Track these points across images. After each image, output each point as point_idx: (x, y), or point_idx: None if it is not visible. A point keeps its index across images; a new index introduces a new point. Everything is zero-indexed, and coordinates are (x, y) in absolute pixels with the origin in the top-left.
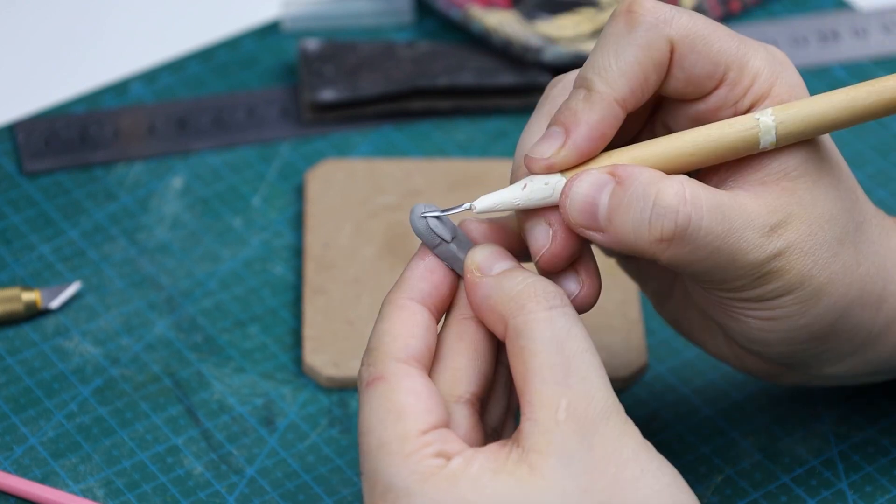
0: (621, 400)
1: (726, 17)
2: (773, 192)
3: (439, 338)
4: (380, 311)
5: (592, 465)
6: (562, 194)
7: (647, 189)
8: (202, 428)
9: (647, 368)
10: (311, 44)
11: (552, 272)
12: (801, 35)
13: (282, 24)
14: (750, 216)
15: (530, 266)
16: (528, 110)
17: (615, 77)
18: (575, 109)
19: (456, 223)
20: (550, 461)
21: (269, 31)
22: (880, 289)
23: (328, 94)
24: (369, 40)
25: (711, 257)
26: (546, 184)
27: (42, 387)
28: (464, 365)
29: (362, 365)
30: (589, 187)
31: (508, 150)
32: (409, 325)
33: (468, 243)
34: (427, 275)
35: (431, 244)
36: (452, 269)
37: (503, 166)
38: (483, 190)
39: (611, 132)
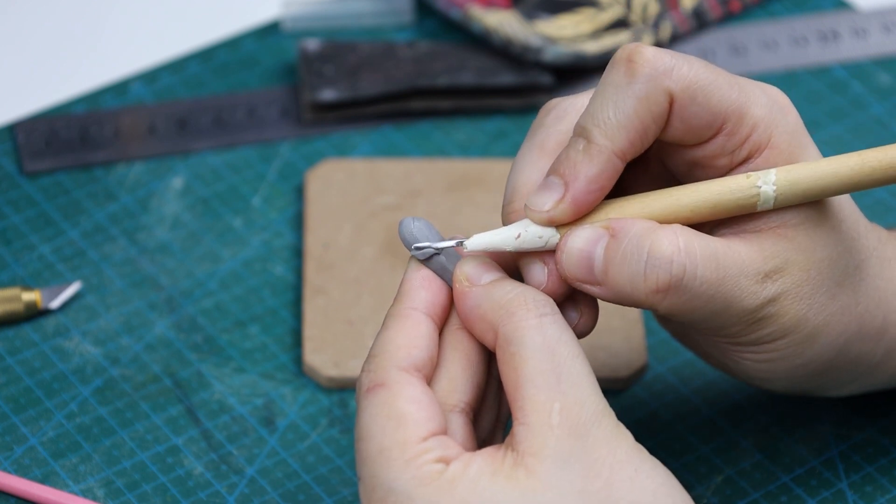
0: (621, 400)
1: (726, 17)
2: (769, 238)
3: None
4: (383, 323)
5: (587, 467)
6: (557, 249)
7: (641, 241)
8: (202, 428)
9: (647, 368)
10: (312, 44)
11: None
12: (801, 35)
13: (282, 24)
14: (744, 263)
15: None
16: (528, 110)
17: (614, 130)
18: (574, 161)
19: (445, 234)
20: (546, 463)
21: (270, 31)
22: (880, 321)
23: (328, 94)
24: (369, 40)
25: (707, 305)
26: (540, 237)
27: (42, 387)
28: (459, 374)
29: (362, 372)
30: (584, 242)
31: (508, 150)
32: (412, 335)
33: (456, 255)
34: (425, 284)
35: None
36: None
37: (503, 166)
38: (483, 190)
39: (609, 185)
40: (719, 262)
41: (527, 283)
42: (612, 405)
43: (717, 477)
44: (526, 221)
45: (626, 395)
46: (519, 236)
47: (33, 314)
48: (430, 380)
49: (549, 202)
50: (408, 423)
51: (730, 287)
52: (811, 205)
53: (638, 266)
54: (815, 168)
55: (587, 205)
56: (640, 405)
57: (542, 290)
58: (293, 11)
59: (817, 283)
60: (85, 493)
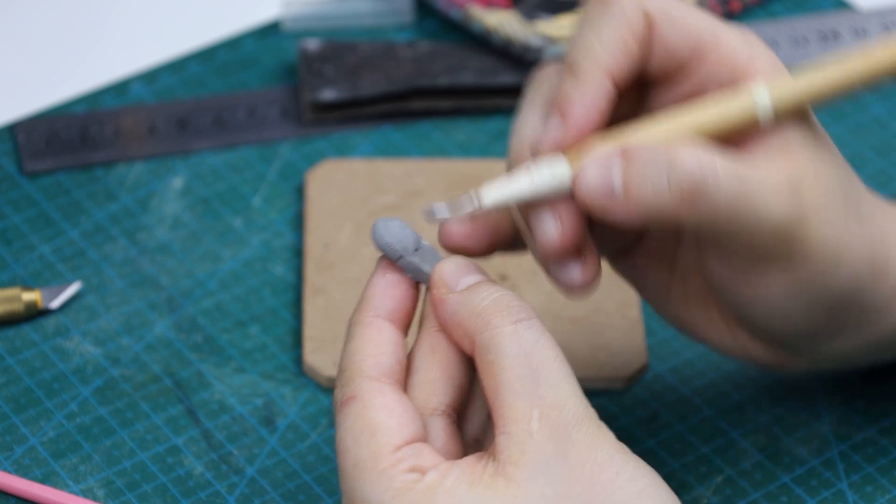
0: (621, 400)
1: (727, 17)
2: (779, 161)
3: (412, 350)
4: (347, 331)
5: (568, 472)
6: (576, 178)
7: (660, 154)
8: (202, 428)
9: (647, 368)
10: (312, 44)
11: (560, 261)
12: (801, 35)
13: (282, 24)
14: (763, 179)
15: (511, 262)
16: None
17: (599, 52)
18: (567, 91)
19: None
20: (526, 471)
21: (270, 31)
22: (883, 260)
23: (328, 94)
24: (369, 40)
25: (734, 218)
26: (551, 173)
27: (42, 387)
28: (437, 377)
29: (335, 387)
30: (600, 165)
31: None
32: (376, 343)
33: (433, 254)
34: (389, 291)
35: (393, 257)
36: (417, 281)
37: (503, 166)
38: None
39: (605, 105)
40: (740, 172)
41: (539, 238)
42: (611, 405)
43: (717, 477)
44: (531, 164)
45: (626, 395)
46: (532, 179)
47: (33, 314)
48: (402, 385)
49: (550, 134)
50: (381, 433)
51: (753, 198)
52: (808, 134)
53: (660, 177)
54: (804, 73)
55: (588, 126)
56: (640, 405)
57: (555, 244)
58: (293, 11)
59: (832, 204)
60: (85, 493)
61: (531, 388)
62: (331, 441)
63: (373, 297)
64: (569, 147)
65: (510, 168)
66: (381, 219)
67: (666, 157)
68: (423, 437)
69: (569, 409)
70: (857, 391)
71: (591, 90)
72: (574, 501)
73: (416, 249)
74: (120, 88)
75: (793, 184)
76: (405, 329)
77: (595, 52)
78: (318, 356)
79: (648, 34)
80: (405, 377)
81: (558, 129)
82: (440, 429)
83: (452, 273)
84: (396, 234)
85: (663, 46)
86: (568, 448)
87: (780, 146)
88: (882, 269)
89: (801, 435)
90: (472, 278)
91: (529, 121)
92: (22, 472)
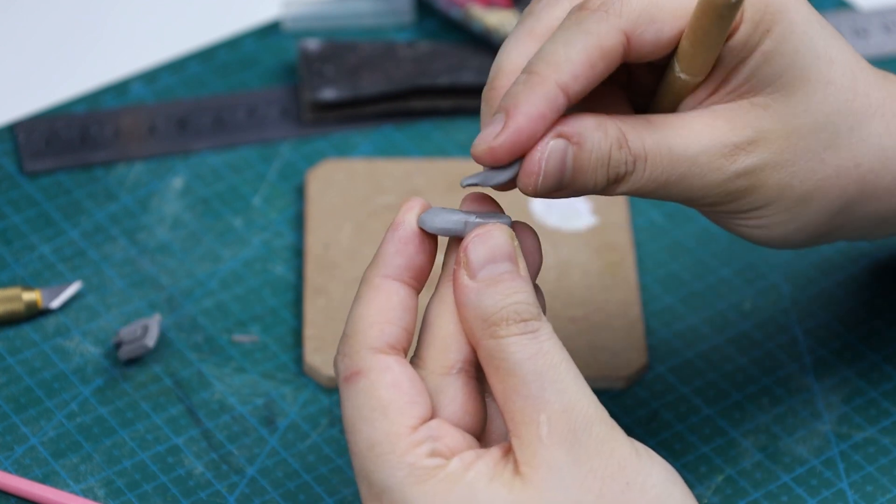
0: (621, 400)
1: None
2: (741, 108)
3: (429, 302)
4: (357, 290)
5: (580, 478)
6: (529, 168)
7: (602, 148)
8: (203, 428)
9: (647, 368)
10: (312, 44)
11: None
12: None
13: (282, 24)
14: (703, 139)
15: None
16: None
17: (560, 65)
18: (514, 93)
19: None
20: (539, 473)
21: (270, 31)
22: (889, 181)
23: (329, 94)
24: (370, 40)
25: (666, 187)
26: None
27: (43, 386)
28: (451, 331)
29: (338, 354)
30: (557, 157)
31: None
32: (384, 309)
33: (494, 216)
34: (401, 247)
35: (460, 232)
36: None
37: None
38: (482, 189)
39: (551, 113)
40: (671, 146)
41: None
42: (612, 405)
43: (717, 477)
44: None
45: (626, 395)
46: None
47: (34, 314)
48: (407, 353)
49: (490, 135)
50: (393, 413)
51: (686, 166)
52: (789, 67)
53: (602, 171)
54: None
55: (528, 130)
56: (640, 405)
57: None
58: (293, 11)
59: (800, 149)
60: (85, 493)
61: (538, 394)
62: (331, 441)
63: (384, 255)
64: (505, 150)
65: (485, 92)
66: (422, 214)
67: (608, 151)
68: (432, 412)
69: (577, 412)
70: (857, 391)
71: (540, 99)
72: None
73: (474, 216)
74: (120, 88)
75: (744, 137)
76: (420, 286)
77: (557, 63)
78: (319, 356)
79: (622, 51)
80: (409, 345)
81: (497, 126)
82: (457, 388)
83: (479, 258)
84: (441, 213)
85: (649, 48)
86: (578, 453)
87: (746, 88)
88: (886, 190)
89: (801, 435)
90: (497, 269)
91: (513, 52)
92: (22, 471)
